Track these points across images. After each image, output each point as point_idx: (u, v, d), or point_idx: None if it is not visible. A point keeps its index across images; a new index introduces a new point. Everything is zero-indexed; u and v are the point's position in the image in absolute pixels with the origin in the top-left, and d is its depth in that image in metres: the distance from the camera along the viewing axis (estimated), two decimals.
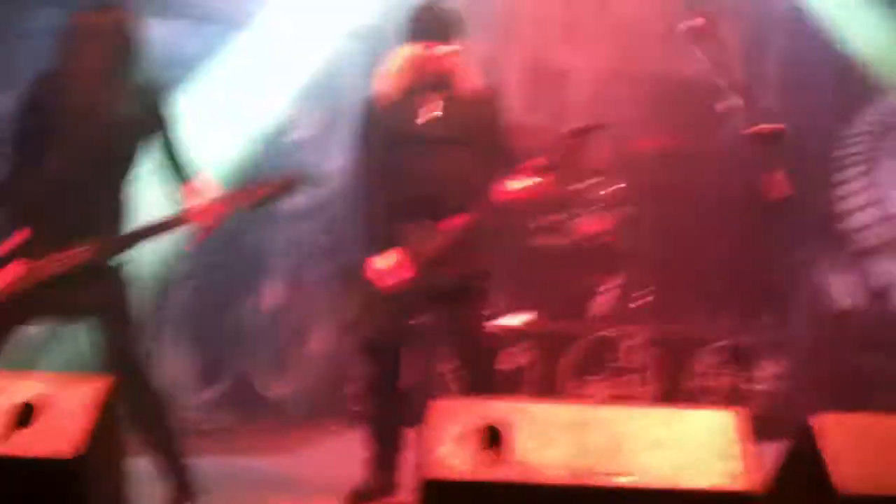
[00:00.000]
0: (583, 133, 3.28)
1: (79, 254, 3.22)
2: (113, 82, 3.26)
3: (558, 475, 2.29)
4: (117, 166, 3.33)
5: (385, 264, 3.47)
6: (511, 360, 5.22)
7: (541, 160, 3.31)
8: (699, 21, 3.00)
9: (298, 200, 5.10)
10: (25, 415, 2.42)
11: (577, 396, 5.19)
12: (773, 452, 2.55)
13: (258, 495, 3.87)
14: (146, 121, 3.33)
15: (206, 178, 3.38)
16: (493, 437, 2.34)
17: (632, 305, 5.73)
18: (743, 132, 2.87)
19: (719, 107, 2.93)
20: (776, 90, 6.23)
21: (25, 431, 2.39)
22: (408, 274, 3.46)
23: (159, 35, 4.78)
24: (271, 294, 5.29)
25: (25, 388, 2.47)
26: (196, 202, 3.30)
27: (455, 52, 3.52)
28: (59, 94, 3.28)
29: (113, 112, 3.26)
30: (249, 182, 3.48)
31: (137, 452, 3.22)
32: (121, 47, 3.29)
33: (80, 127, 3.25)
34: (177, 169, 3.37)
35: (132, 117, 3.29)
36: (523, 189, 3.30)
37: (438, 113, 3.53)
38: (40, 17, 4.74)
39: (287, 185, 3.43)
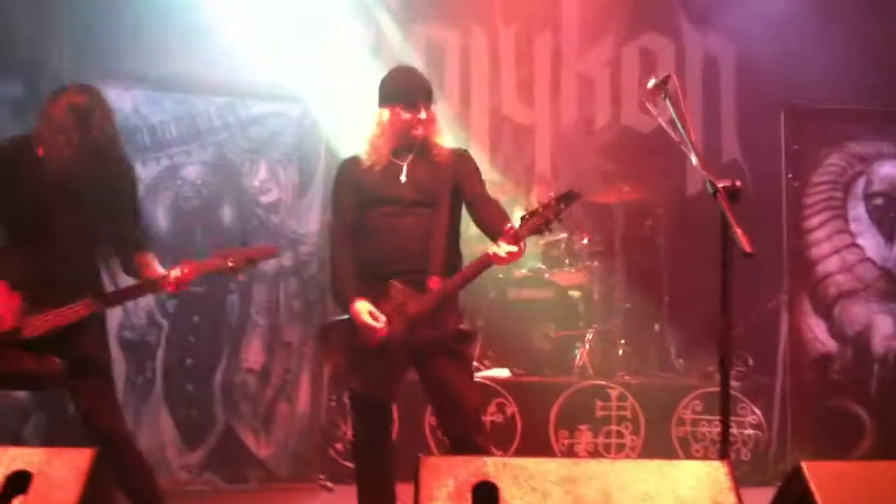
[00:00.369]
0: (569, 199, 3.37)
1: (75, 310, 3.31)
2: (83, 152, 3.35)
3: None
4: (88, 231, 3.42)
5: (367, 316, 3.49)
6: (499, 412, 5.23)
7: (527, 224, 3.38)
8: (662, 77, 3.09)
9: (275, 262, 5.14)
10: (18, 485, 2.41)
11: (566, 447, 5.20)
12: (761, 498, 2.58)
13: None
14: (113, 190, 3.43)
15: (153, 257, 3.55)
16: (485, 495, 2.34)
17: (616, 355, 5.78)
18: (706, 186, 2.93)
19: (687, 161, 3.00)
20: (736, 140, 6.39)
21: None
22: (384, 327, 3.49)
23: (127, 104, 4.91)
24: (253, 354, 5.29)
25: (12, 460, 2.46)
26: (173, 270, 3.46)
27: (432, 117, 3.60)
28: (31, 162, 3.37)
29: (83, 179, 3.35)
30: (221, 250, 3.60)
31: None
32: (90, 122, 3.38)
33: (54, 192, 3.35)
34: (134, 238, 3.51)
35: (101, 185, 3.38)
36: (512, 253, 3.37)
37: (409, 175, 3.60)
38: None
39: (256, 256, 3.62)
